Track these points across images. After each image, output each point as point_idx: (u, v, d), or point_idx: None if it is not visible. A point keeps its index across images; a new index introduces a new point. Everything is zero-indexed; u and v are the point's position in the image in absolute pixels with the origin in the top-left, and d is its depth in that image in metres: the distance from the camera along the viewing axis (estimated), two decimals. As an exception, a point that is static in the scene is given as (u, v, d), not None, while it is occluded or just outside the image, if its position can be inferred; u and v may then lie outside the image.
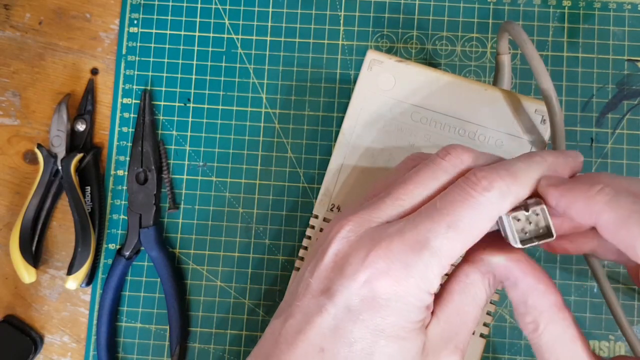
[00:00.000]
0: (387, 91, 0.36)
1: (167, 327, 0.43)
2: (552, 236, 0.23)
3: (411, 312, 0.23)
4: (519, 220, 0.23)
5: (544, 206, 0.23)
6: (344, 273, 0.23)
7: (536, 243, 0.23)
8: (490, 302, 0.34)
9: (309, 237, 0.35)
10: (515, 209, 0.23)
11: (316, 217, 0.36)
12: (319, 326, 0.23)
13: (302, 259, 0.35)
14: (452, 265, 0.24)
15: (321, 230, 0.35)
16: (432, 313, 0.24)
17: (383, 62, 0.36)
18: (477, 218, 0.23)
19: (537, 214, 0.23)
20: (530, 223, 0.23)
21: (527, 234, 0.23)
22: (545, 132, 0.35)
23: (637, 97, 0.44)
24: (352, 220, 0.25)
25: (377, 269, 0.23)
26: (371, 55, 0.36)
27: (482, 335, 0.34)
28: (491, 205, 0.23)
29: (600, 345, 0.42)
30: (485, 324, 0.34)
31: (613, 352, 0.42)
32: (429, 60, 0.44)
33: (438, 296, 0.25)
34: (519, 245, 0.23)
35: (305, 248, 0.35)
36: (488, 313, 0.34)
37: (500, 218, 0.24)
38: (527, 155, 0.25)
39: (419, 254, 0.22)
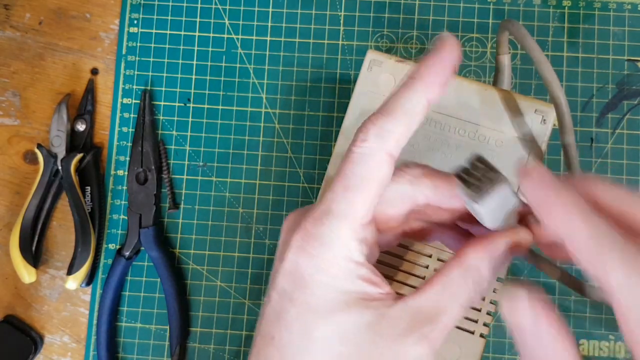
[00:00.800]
0: (387, 91, 0.36)
1: (167, 327, 0.43)
2: (498, 171, 0.22)
3: (338, 282, 0.23)
4: (469, 184, 0.23)
5: (478, 154, 0.23)
6: (280, 258, 0.24)
7: (493, 192, 0.22)
8: (490, 302, 0.34)
9: None
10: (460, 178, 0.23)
11: None
12: (267, 315, 0.24)
13: None
14: (370, 226, 0.24)
15: None
16: (403, 297, 0.24)
17: (383, 62, 0.36)
18: (366, 170, 0.23)
19: (479, 167, 0.23)
20: (480, 181, 0.23)
21: (481, 188, 0.22)
22: (546, 132, 0.35)
23: (637, 97, 0.44)
24: (292, 212, 0.26)
25: (298, 247, 0.23)
26: (371, 56, 0.36)
27: (482, 335, 0.34)
28: (373, 152, 0.23)
29: (601, 345, 0.42)
30: (485, 324, 0.34)
31: (613, 352, 0.42)
32: (429, 60, 0.44)
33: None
34: (480, 202, 0.22)
35: None
36: (488, 313, 0.34)
37: (468, 204, 0.23)
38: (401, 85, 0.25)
39: (324, 222, 0.23)
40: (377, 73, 0.36)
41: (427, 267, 0.35)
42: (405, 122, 0.24)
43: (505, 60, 0.38)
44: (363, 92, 0.36)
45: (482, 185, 0.22)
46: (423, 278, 0.35)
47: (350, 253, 0.23)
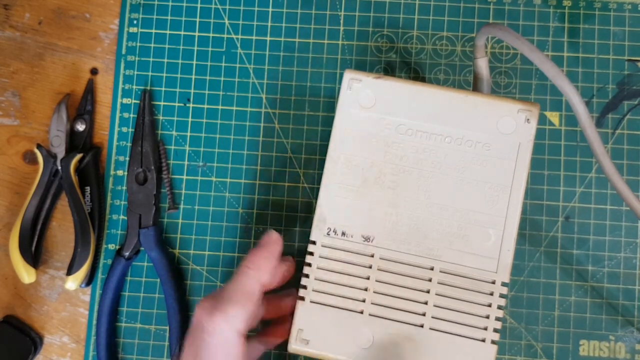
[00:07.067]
0: (369, 108, 0.36)
1: (167, 327, 0.43)
2: None
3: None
4: None
5: None
6: None
7: None
8: (498, 308, 0.34)
9: (309, 264, 0.35)
10: None
11: (314, 243, 0.35)
12: None
13: (304, 287, 0.35)
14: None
15: (320, 256, 0.35)
16: None
17: (362, 80, 0.36)
18: (220, 348, 0.32)
19: None
20: None
21: None
22: (531, 131, 0.35)
23: (637, 97, 0.43)
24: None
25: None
26: (349, 75, 0.36)
27: (493, 342, 0.34)
28: (225, 332, 0.32)
29: (601, 345, 0.42)
30: (495, 330, 0.34)
31: (613, 353, 0.42)
32: (429, 60, 0.44)
33: None
34: None
35: (307, 276, 0.35)
36: (496, 318, 0.34)
37: None
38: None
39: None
40: (357, 91, 0.36)
41: (429, 280, 0.34)
42: (246, 304, 0.32)
43: (483, 63, 0.37)
44: (345, 112, 0.36)
45: None
46: (427, 292, 0.34)
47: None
